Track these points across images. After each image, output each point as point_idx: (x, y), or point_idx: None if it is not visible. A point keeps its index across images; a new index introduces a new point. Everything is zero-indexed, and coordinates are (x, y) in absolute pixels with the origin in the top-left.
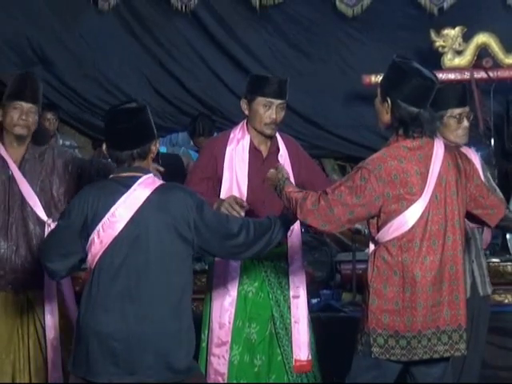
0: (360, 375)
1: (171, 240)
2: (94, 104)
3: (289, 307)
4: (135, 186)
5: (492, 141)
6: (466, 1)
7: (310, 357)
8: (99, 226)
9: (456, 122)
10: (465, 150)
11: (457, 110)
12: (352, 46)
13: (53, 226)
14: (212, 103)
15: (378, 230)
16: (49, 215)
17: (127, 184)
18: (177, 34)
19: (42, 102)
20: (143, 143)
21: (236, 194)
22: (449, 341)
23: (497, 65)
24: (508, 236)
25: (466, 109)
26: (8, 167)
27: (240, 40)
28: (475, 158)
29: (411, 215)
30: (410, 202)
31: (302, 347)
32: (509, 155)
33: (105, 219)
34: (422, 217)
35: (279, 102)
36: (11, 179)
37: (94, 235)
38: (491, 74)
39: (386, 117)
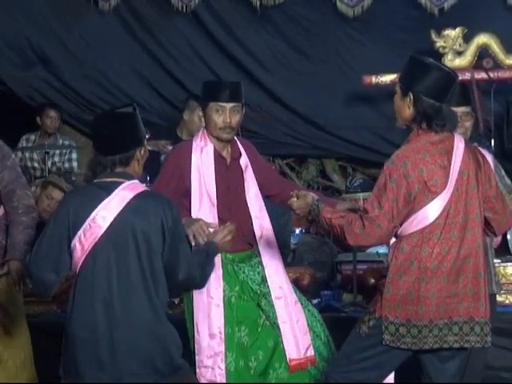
0: (353, 354)
1: (148, 246)
2: (95, 104)
3: (272, 307)
4: (117, 190)
5: (492, 141)
6: (467, 1)
7: (310, 353)
8: (80, 232)
9: None
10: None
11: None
12: (352, 47)
13: None
14: None
15: (402, 223)
16: None
17: (109, 189)
18: (177, 35)
19: None
20: (127, 149)
21: (207, 203)
22: (459, 332)
23: (497, 65)
24: (508, 236)
25: (462, 109)
26: None
27: (240, 40)
28: (489, 158)
29: (434, 208)
30: (435, 195)
31: (294, 346)
32: (509, 155)
33: (86, 224)
34: (444, 209)
35: (232, 105)
36: None
37: (76, 241)
38: (492, 74)
39: (408, 112)
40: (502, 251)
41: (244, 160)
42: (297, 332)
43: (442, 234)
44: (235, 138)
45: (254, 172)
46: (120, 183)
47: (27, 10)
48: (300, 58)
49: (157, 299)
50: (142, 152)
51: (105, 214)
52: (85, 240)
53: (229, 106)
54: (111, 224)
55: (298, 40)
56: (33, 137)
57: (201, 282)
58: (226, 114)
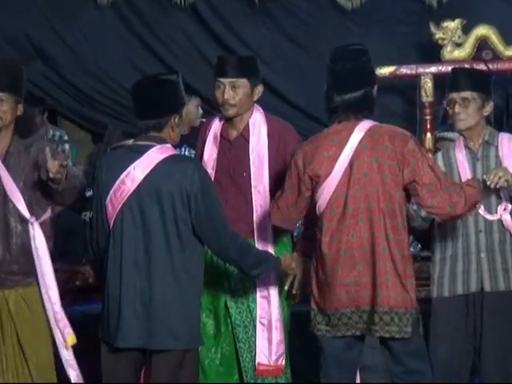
0: None
1: (173, 209)
2: (94, 98)
3: (249, 307)
4: (148, 153)
5: None
6: None
7: (281, 362)
8: (111, 191)
9: (449, 108)
10: (501, 135)
11: (448, 96)
12: (351, 40)
13: (36, 224)
14: (211, 98)
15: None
16: (31, 212)
17: (140, 151)
18: (175, 29)
19: (22, 91)
20: (159, 116)
21: None
22: (368, 320)
23: (496, 57)
24: None
25: (454, 95)
26: None
27: (239, 34)
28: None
29: (321, 198)
30: (319, 185)
31: (267, 351)
32: None
33: (116, 185)
34: (330, 199)
35: (229, 80)
36: None
37: (108, 201)
38: (491, 66)
39: None
40: None
41: (256, 143)
42: (273, 337)
43: (331, 222)
44: (255, 115)
45: (270, 154)
46: (151, 146)
47: (26, 4)
48: (299, 51)
49: (180, 265)
50: (177, 119)
51: (133, 175)
52: (115, 200)
53: (226, 81)
54: (139, 185)
55: (297, 33)
56: None
57: (241, 267)
58: (224, 89)
